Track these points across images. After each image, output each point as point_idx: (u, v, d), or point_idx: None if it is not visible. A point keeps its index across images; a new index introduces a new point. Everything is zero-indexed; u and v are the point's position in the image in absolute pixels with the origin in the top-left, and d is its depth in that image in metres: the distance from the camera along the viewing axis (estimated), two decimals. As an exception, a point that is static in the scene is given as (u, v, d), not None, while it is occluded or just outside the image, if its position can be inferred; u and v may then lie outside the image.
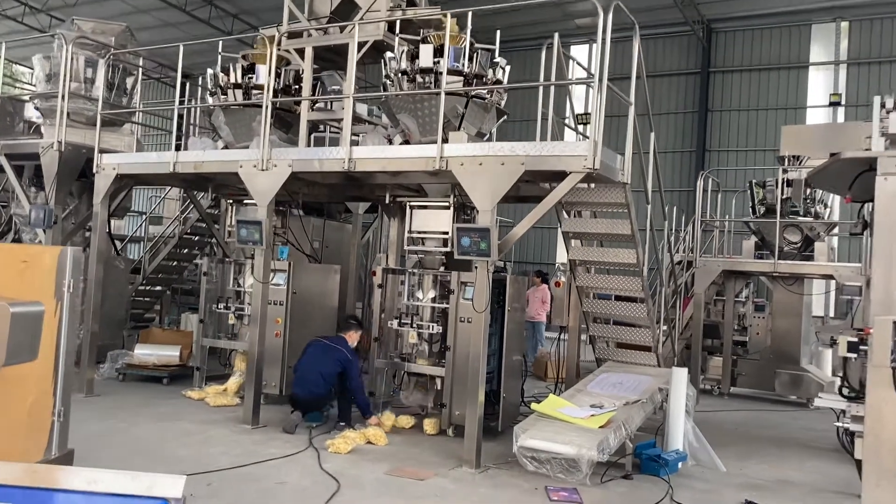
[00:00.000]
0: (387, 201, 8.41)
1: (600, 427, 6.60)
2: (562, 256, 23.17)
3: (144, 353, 10.46)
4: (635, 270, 7.83)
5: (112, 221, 17.02)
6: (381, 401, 8.40)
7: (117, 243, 16.39)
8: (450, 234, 7.90)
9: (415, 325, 8.00)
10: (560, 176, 6.67)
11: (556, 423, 6.79)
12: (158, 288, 15.64)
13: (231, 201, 9.77)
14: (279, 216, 9.88)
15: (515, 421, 8.40)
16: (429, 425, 7.89)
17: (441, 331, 7.94)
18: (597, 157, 6.18)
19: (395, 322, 8.15)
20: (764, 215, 11.25)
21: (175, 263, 14.70)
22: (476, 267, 6.65)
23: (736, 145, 21.69)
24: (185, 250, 14.42)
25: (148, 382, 10.07)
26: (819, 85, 21.20)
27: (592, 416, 6.86)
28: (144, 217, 15.66)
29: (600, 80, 6.28)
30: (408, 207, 8.17)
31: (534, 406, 7.10)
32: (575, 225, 7.80)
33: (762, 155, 20.82)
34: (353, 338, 7.98)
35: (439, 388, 7.95)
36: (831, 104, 20.62)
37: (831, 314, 18.08)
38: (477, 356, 6.64)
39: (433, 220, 8.05)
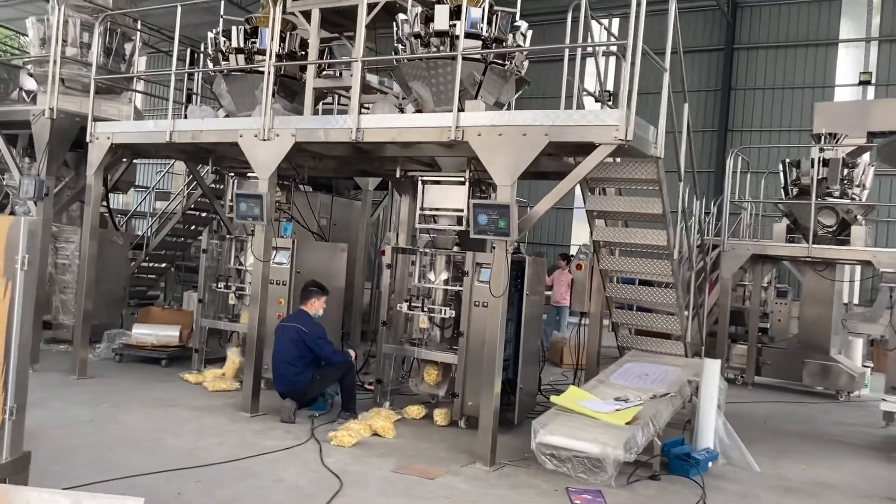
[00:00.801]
0: (397, 176, 7.84)
1: (626, 423, 6.07)
2: (578, 238, 22.57)
3: (143, 332, 9.99)
4: (664, 253, 7.25)
5: (114, 196, 16.61)
6: (388, 388, 7.89)
7: (120, 218, 15.96)
8: (465, 212, 7.34)
9: (426, 309, 7.47)
10: (587, 149, 6.09)
11: (578, 417, 6.26)
12: (162, 265, 15.22)
13: (233, 174, 9.23)
14: (283, 191, 9.36)
15: (532, 412, 7.93)
16: (440, 416, 7.38)
17: (454, 315, 7.40)
18: (629, 128, 5.58)
19: (405, 305, 7.62)
20: (797, 196, 10.61)
21: (181, 239, 14.23)
22: (494, 247, 6.09)
23: (760, 125, 20.91)
24: (194, 227, 13.95)
25: (146, 364, 9.61)
26: (848, 63, 20.36)
27: (617, 410, 6.33)
28: (148, 192, 15.16)
29: (634, 41, 5.66)
30: (419, 183, 7.61)
31: (553, 399, 6.57)
32: (600, 203, 7.21)
33: (787, 135, 20.07)
34: (314, 306, 7.43)
35: (452, 376, 7.42)
36: (861, 83, 19.79)
37: (855, 301, 17.46)
38: (494, 344, 6.10)
39: (447, 197, 7.49)
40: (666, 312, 7.80)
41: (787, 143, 18.79)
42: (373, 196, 12.28)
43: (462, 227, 7.39)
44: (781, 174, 10.86)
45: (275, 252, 8.21)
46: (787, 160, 10.87)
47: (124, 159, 11.81)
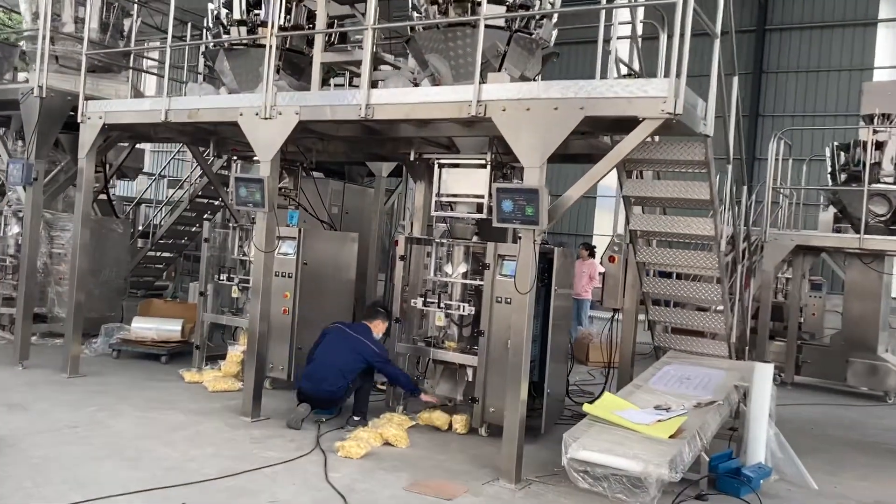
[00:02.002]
0: (412, 158, 7.16)
1: (670, 437, 5.36)
2: (601, 227, 21.76)
3: (142, 326, 9.41)
4: (709, 244, 6.52)
5: (123, 182, 16.11)
6: (401, 391, 7.22)
7: (126, 206, 15.43)
8: (486, 198, 6.65)
9: (442, 305, 6.79)
10: (626, 125, 5.37)
11: (615, 429, 5.55)
12: (170, 254, 14.68)
13: (236, 158, 8.59)
14: (290, 176, 8.69)
15: (561, 418, 7.25)
16: (458, 423, 6.71)
17: (473, 312, 6.71)
18: (679, 100, 4.85)
19: (420, 301, 6.94)
20: (845, 183, 9.80)
21: (189, 228, 13.67)
22: (520, 237, 5.39)
23: (793, 110, 19.99)
24: (204, 214, 13.38)
25: (145, 360, 9.01)
26: (888, 44, 19.35)
27: (659, 421, 5.61)
28: (154, 178, 14.58)
29: None
30: (436, 166, 6.91)
31: (586, 408, 5.86)
32: (640, 188, 6.46)
33: (822, 120, 19.14)
34: (378, 328, 6.81)
35: (470, 379, 6.75)
36: (904, 66, 18.81)
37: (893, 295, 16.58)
38: (519, 346, 5.42)
39: (466, 182, 6.79)
40: (709, 309, 7.06)
41: (822, 127, 17.87)
42: (386, 183, 11.60)
43: (482, 215, 6.70)
44: (828, 159, 10.04)
45: (279, 242, 7.56)
46: (836, 143, 10.05)
47: (125, 143, 11.27)
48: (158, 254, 14.74)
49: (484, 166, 6.66)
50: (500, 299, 6.45)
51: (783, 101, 20.14)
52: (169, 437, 5.97)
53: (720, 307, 6.72)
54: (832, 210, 9.94)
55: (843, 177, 9.89)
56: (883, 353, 10.65)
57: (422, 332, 7.33)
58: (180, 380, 8.03)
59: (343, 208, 11.22)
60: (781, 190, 10.61)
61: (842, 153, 9.87)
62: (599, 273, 11.30)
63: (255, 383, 6.74)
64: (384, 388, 7.78)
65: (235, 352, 8.06)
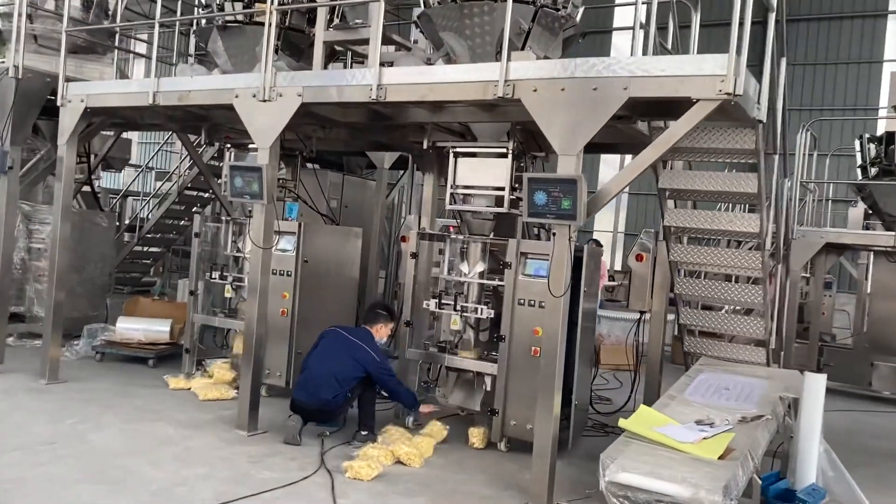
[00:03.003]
0: (425, 146, 6.55)
1: (719, 457, 4.79)
2: (602, 224, 21.21)
3: (128, 327, 8.76)
4: (752, 242, 5.95)
5: (105, 173, 15.41)
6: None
7: (112, 199, 14.73)
8: (506, 190, 6.05)
9: (458, 308, 6.19)
10: (671, 108, 4.81)
11: (656, 448, 4.97)
12: (158, 249, 14.01)
13: (230, 146, 7.95)
14: (288, 166, 8.06)
15: (587, 429, 6.71)
16: (476, 436, 6.12)
17: (493, 316, 6.12)
18: (740, 78, 4.27)
19: (433, 303, 6.34)
20: (877, 177, 9.27)
21: (179, 221, 13.00)
22: (553, 234, 4.80)
23: (799, 104, 19.44)
24: (196, 207, 12.72)
25: (131, 364, 8.37)
26: (899, 36, 18.88)
27: (704, 439, 5.04)
28: (141, 169, 13.90)
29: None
30: (451, 155, 6.31)
31: (623, 423, 5.27)
32: (678, 180, 5.86)
33: (830, 114, 18.63)
34: (381, 332, 6.19)
35: (489, 388, 6.16)
36: (917, 59, 18.33)
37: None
38: (552, 355, 4.83)
39: (484, 172, 6.19)
40: (749, 313, 6.51)
41: (853, 118, 17.36)
42: (388, 176, 10.98)
43: (502, 209, 6.10)
44: (858, 152, 9.50)
45: (277, 237, 6.95)
46: (866, 135, 9.51)
47: (110, 131, 10.60)
48: (145, 249, 14.07)
49: (504, 155, 6.06)
50: (522, 301, 5.87)
51: (789, 95, 19.60)
52: (156, 454, 5.35)
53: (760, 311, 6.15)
54: (862, 206, 9.41)
55: (874, 171, 9.36)
56: (910, 357, 10.18)
57: (434, 336, 6.74)
58: (169, 387, 7.40)
59: (342, 201, 10.61)
60: (808, 185, 10.07)
61: (872, 145, 9.33)
62: (608, 271, 10.79)
63: (252, 393, 6.12)
64: (389, 395, 7.21)
65: (229, 356, 7.44)
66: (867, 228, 9.57)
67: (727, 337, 6.93)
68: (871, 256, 10.39)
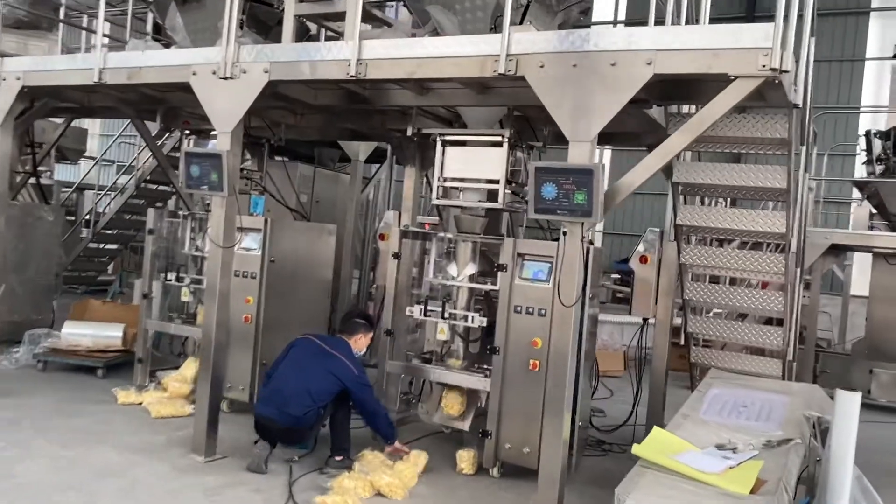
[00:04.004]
0: (409, 133, 5.83)
1: (751, 492, 4.16)
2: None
3: (75, 333, 7.87)
4: (773, 243, 5.35)
5: (59, 166, 14.40)
6: (394, 418, 5.88)
7: (64, 193, 13.76)
8: (501, 183, 5.37)
9: (446, 315, 5.49)
10: (697, 90, 4.17)
11: (676, 480, 4.32)
12: (113, 246, 13.12)
13: (188, 133, 7.15)
14: (254, 156, 7.30)
15: (588, 446, 6.08)
16: (465, 461, 5.42)
17: (485, 324, 5.44)
18: (787, 52, 3.64)
19: (417, 309, 5.63)
20: (883, 175, 8.78)
21: (136, 217, 12.11)
22: (564, 232, 4.13)
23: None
24: (157, 202, 11.87)
25: (78, 374, 7.50)
26: (881, 34, 18.57)
27: (731, 468, 4.41)
28: (95, 161, 12.97)
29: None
30: (439, 144, 5.60)
31: (636, 450, 4.59)
32: (695, 173, 5.20)
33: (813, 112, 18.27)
34: (360, 344, 5.46)
35: (481, 405, 5.47)
36: (895, 56, 18.00)
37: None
38: (562, 373, 4.17)
39: (477, 163, 5.49)
40: (761, 321, 5.92)
41: (858, 110, 17.02)
42: (362, 169, 10.25)
43: (498, 204, 5.42)
44: (864, 148, 9.00)
45: (240, 234, 6.20)
46: (873, 131, 9.01)
47: (60, 118, 9.72)
48: (102, 246, 13.18)
49: (499, 144, 5.37)
50: (519, 308, 5.19)
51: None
52: (95, 488, 4.57)
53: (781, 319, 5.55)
54: (867, 206, 8.92)
55: (881, 168, 8.87)
56: (910, 363, 9.74)
57: (416, 341, 6.05)
58: (117, 401, 6.60)
59: (313, 196, 9.86)
60: (811, 184, 9.56)
61: (878, 141, 8.84)
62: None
63: (210, 410, 5.37)
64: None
65: (186, 368, 6.66)
66: (871, 229, 9.10)
67: (739, 347, 6.34)
68: (871, 258, 9.92)
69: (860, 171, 11.44)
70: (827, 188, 13.53)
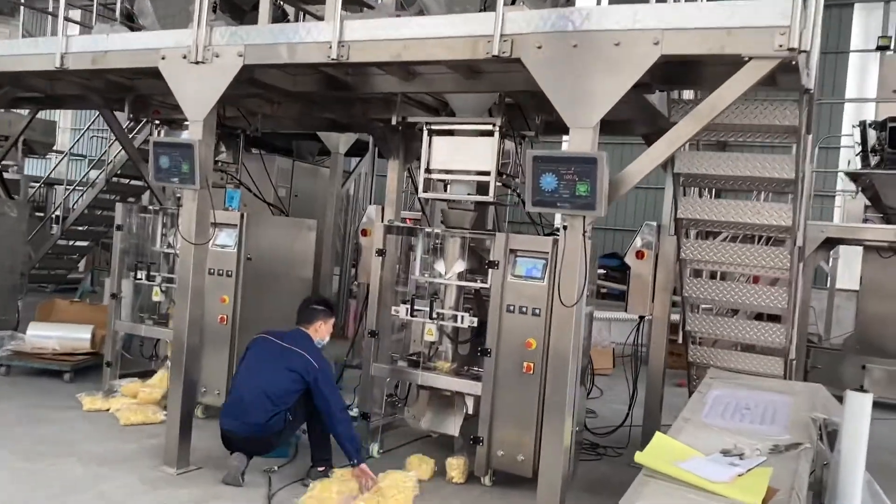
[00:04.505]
0: (394, 122, 5.50)
1: (763, 502, 3.90)
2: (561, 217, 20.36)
3: (41, 335, 7.46)
4: (776, 237, 5.11)
5: (28, 160, 13.88)
6: (379, 423, 5.60)
7: (32, 188, 13.26)
8: (492, 175, 5.07)
9: (434, 315, 5.18)
10: (703, 74, 3.90)
11: (682, 490, 4.04)
12: (84, 243, 12.66)
13: (158, 123, 6.77)
14: (229, 147, 6.93)
15: (583, 451, 5.80)
16: (455, 469, 5.12)
17: (475, 324, 5.14)
18: (807, 31, 3.37)
19: (403, 309, 5.31)
20: (878, 166, 8.57)
21: (112, 212, 11.63)
22: (564, 227, 3.84)
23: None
24: (130, 197, 11.42)
25: (43, 378, 7.10)
26: (864, 25, 18.49)
27: (739, 476, 4.15)
28: (63, 156, 12.49)
29: None
30: (426, 133, 5.28)
31: (639, 458, 4.31)
32: (699, 163, 4.91)
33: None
34: (321, 332, 5.03)
35: (471, 411, 5.17)
36: (879, 48, 17.89)
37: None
38: (562, 377, 3.88)
39: (466, 153, 5.18)
40: (767, 319, 5.68)
41: (855, 99, 16.87)
42: (343, 163, 9.91)
43: (488, 198, 5.12)
44: (858, 139, 8.80)
45: (215, 230, 5.85)
46: (867, 121, 8.81)
47: (25, 108, 9.26)
48: (72, 243, 12.70)
49: (490, 133, 5.06)
50: (512, 308, 4.90)
51: (752, 86, 19.10)
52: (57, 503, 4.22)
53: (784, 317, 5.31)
54: (861, 199, 8.72)
55: (875, 159, 8.67)
56: (901, 357, 9.59)
57: (402, 342, 5.74)
58: (83, 407, 6.22)
59: (292, 190, 9.50)
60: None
61: (872, 132, 8.63)
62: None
63: (182, 418, 5.02)
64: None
65: (158, 373, 6.30)
66: (865, 222, 8.91)
67: (730, 344, 6.10)
68: (861, 252, 9.75)
69: (845, 164, 11.30)
70: (828, 184, 13.43)
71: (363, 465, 4.69)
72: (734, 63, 3.64)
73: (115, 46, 5.30)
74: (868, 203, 8.83)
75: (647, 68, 3.64)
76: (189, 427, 5.07)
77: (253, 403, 4.64)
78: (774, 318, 8.72)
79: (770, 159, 4.63)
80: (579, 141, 3.75)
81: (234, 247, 6.01)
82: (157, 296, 6.53)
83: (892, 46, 17.53)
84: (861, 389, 9.34)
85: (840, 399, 6.41)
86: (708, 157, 4.81)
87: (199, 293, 5.10)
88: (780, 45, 3.38)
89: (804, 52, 3.37)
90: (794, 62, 3.43)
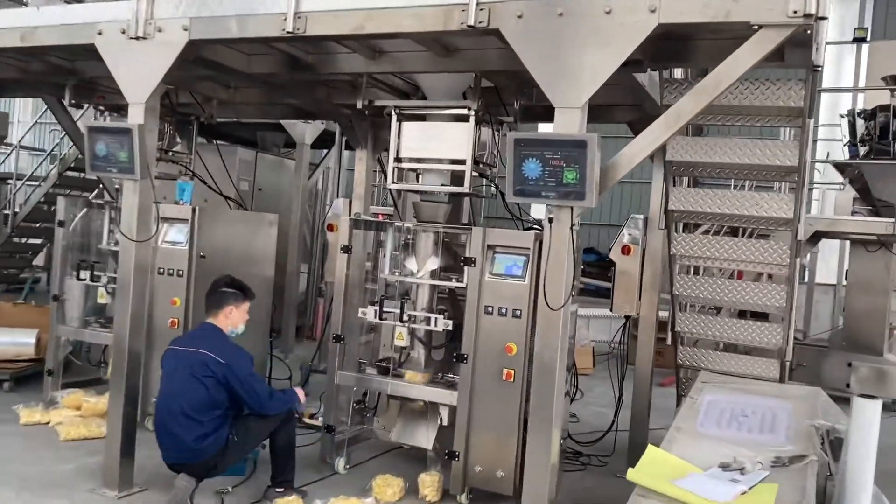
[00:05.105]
0: (359, 105, 5.02)
1: (771, 523, 3.52)
2: (537, 211, 19.89)
3: (-22, 340, 6.88)
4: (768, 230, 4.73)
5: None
6: (345, 436, 5.13)
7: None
8: (468, 163, 4.62)
9: (405, 318, 4.71)
10: (697, 49, 3.49)
11: (681, 509, 3.68)
12: (36, 241, 11.99)
13: (103, 109, 6.22)
14: (183, 136, 6.41)
15: (567, 461, 5.38)
16: (428, 486, 4.66)
17: (450, 328, 4.68)
18: (824, -4, 2.96)
19: (371, 311, 4.84)
20: (867, 156, 8.26)
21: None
22: (549, 219, 3.40)
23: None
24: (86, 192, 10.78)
25: (-21, 387, 6.55)
26: (840, 18, 18.34)
27: (742, 494, 3.77)
28: (13, 148, 11.81)
29: None
30: (395, 118, 4.80)
31: (632, 476, 3.92)
32: (694, 150, 4.47)
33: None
34: (232, 319, 4.39)
35: (445, 422, 4.72)
36: (855, 40, 17.75)
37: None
38: (549, 389, 3.46)
39: (439, 140, 4.72)
40: (762, 319, 5.31)
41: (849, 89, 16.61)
42: (310, 154, 9.41)
43: (464, 188, 4.66)
44: (847, 128, 8.46)
45: (164, 225, 5.34)
46: (855, 110, 8.48)
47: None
48: (24, 240, 12.01)
49: (465, 118, 4.61)
50: (490, 309, 4.45)
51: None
52: (-25, 540, 3.70)
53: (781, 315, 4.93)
54: (850, 191, 8.40)
55: (864, 149, 8.35)
56: (889, 356, 9.33)
57: (370, 344, 5.28)
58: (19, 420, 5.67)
59: (255, 184, 8.98)
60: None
61: (861, 121, 8.30)
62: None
63: (124, 434, 4.51)
64: (313, 421, 5.73)
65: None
66: (853, 215, 8.61)
67: (710, 344, 5.73)
68: (848, 246, 9.48)
69: (824, 155, 11.01)
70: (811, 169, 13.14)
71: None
72: (737, 36, 3.24)
73: (46, 21, 4.75)
74: (856, 195, 8.50)
75: (643, 40, 3.21)
76: (132, 443, 4.57)
77: (174, 426, 4.07)
78: (760, 317, 8.41)
79: (772, 145, 4.23)
80: (565, 122, 3.32)
81: (186, 244, 5.50)
82: (102, 298, 5.99)
83: (868, 38, 17.41)
84: (847, 388, 8.95)
85: (836, 399, 6.10)
86: (704, 144, 4.39)
87: (141, 295, 4.58)
88: (795, 12, 2.97)
89: (822, 18, 2.96)
90: (808, 31, 3.02)
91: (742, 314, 8.23)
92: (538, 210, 8.52)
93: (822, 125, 11.88)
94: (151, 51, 4.34)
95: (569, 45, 3.32)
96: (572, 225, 3.32)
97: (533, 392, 3.49)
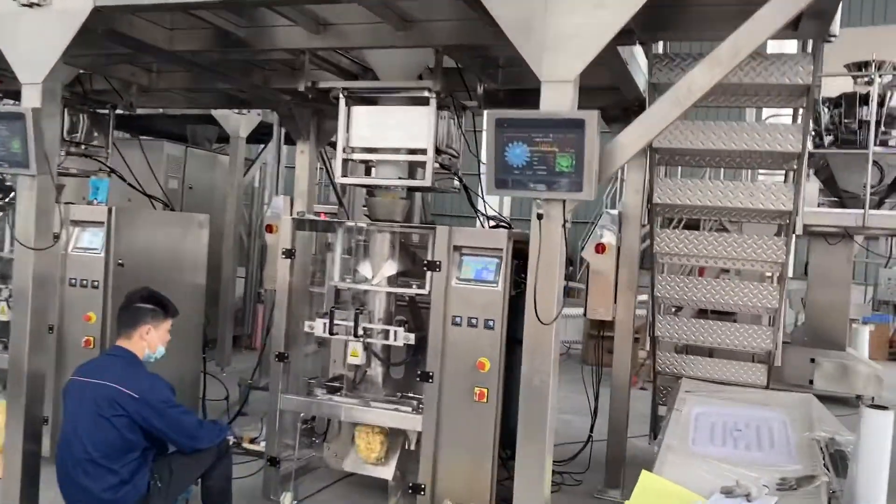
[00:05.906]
0: (301, 89, 4.35)
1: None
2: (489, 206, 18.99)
3: None
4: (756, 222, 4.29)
5: None
6: (291, 468, 4.48)
7: None
8: (429, 152, 4.02)
9: (360, 333, 4.09)
10: (702, 16, 3.00)
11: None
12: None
13: (2, 94, 5.41)
14: (99, 130, 5.64)
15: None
16: (389, 524, 4.08)
17: (411, 342, 4.09)
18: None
19: (319, 324, 4.20)
20: (832, 145, 8.02)
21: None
22: (539, 215, 2.84)
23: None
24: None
25: None
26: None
27: (754, 526, 3.31)
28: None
29: None
30: (343, 101, 4.17)
31: (630, 508, 3.42)
32: (682, 136, 3.95)
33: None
34: (149, 340, 3.63)
35: (410, 448, 4.13)
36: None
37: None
38: (541, 417, 2.90)
39: (394, 127, 4.11)
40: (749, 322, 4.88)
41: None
42: (245, 149, 8.66)
43: (425, 182, 4.07)
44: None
45: (75, 230, 4.60)
46: (820, 98, 8.22)
47: None
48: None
49: (425, 101, 4.01)
50: (458, 320, 3.89)
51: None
52: None
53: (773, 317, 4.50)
54: (816, 182, 8.15)
55: (829, 139, 8.11)
56: (850, 350, 9.19)
57: (320, 369, 4.65)
58: None
59: (185, 181, 8.20)
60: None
61: (826, 109, 8.05)
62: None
63: (26, 470, 3.79)
64: (253, 447, 5.08)
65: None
66: (819, 206, 8.37)
67: (716, 352, 5.31)
68: (809, 240, 9.27)
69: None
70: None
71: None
72: (742, 1, 2.76)
73: (-79, -13, 3.96)
74: (821, 186, 8.26)
75: (640, 6, 2.68)
76: (36, 479, 3.84)
77: (81, 476, 3.35)
78: (725, 315, 8.08)
79: (772, 129, 3.78)
80: (555, 99, 2.76)
81: (102, 250, 4.75)
82: (4, 315, 5.17)
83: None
84: (810, 384, 8.64)
85: (823, 398, 5.75)
86: (697, 129, 3.90)
87: (43, 310, 3.86)
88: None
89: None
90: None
91: (702, 313, 7.85)
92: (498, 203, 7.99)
93: (784, 114, 11.72)
94: (49, 21, 3.61)
95: (556, 7, 2.77)
96: (565, 222, 2.77)
97: (521, 423, 2.92)
